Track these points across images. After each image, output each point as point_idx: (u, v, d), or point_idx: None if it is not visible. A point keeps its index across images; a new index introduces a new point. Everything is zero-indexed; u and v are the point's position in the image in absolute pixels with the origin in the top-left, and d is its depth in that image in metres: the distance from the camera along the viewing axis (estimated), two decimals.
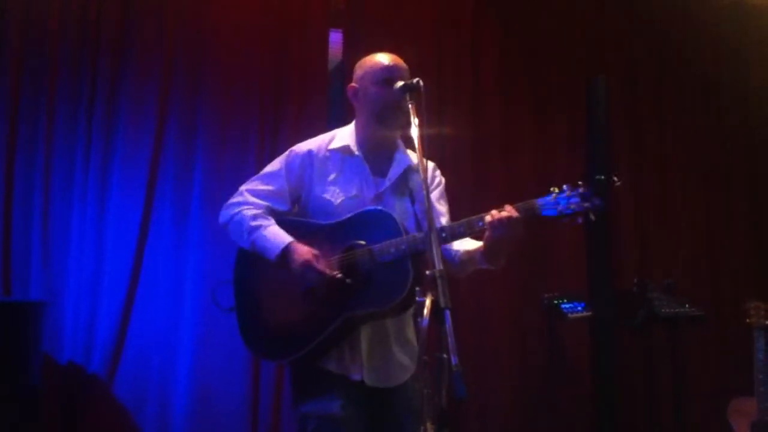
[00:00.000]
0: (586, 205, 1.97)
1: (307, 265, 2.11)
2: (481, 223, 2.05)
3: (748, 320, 3.48)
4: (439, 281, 1.72)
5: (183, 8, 4.06)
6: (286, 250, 2.16)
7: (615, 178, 2.12)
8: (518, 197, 4.20)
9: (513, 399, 4.27)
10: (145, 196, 3.86)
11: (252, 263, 2.28)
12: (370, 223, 2.15)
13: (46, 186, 3.74)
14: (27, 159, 3.75)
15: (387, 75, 2.24)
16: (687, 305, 4.04)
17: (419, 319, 1.71)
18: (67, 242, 3.75)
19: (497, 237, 2.03)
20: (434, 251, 1.79)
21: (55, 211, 3.75)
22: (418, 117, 2.02)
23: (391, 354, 2.22)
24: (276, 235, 2.21)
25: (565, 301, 4.12)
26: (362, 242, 2.14)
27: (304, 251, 2.14)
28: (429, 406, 1.79)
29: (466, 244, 2.22)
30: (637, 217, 4.71)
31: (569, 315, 4.08)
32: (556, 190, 2.02)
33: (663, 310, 4.00)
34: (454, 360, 1.62)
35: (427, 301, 1.72)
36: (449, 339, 1.65)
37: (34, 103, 3.79)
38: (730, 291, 4.67)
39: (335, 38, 4.37)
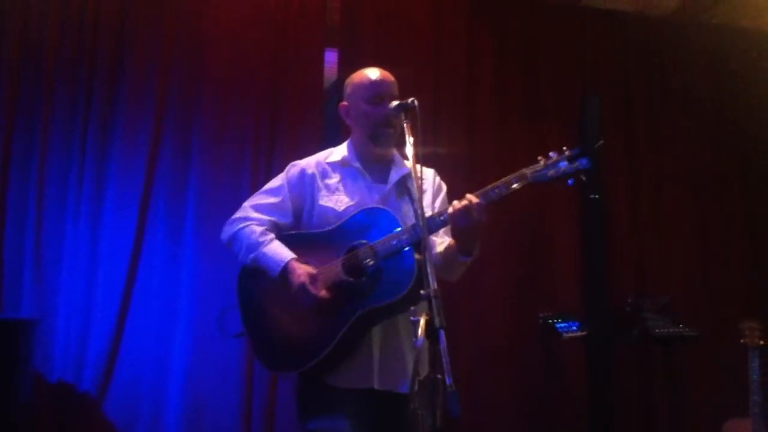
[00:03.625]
0: (575, 165, 2.06)
1: (301, 288, 2.14)
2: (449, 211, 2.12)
3: (743, 340, 3.48)
4: (433, 301, 1.72)
5: (179, 26, 4.08)
6: (286, 270, 2.18)
7: (601, 143, 2.25)
8: (513, 213, 4.22)
9: (508, 418, 4.24)
10: (138, 213, 3.85)
11: (257, 280, 2.29)
12: (369, 221, 2.19)
13: (39, 203, 3.74)
14: (21, 176, 3.75)
15: (375, 92, 2.29)
16: (681, 325, 4.04)
17: (414, 340, 1.70)
18: (60, 260, 3.74)
19: (458, 226, 2.10)
20: (428, 270, 1.79)
21: (48, 228, 3.74)
22: (413, 136, 2.03)
23: (404, 358, 2.21)
24: (276, 252, 2.23)
25: (560, 320, 4.12)
26: (363, 241, 2.17)
27: (300, 272, 2.16)
28: (423, 426, 1.77)
29: (445, 243, 2.27)
30: (632, 236, 4.71)
31: (564, 334, 4.08)
32: (544, 158, 2.11)
33: (657, 330, 4.00)
34: (448, 380, 1.61)
35: (422, 321, 1.71)
36: (444, 359, 1.64)
37: (29, 119, 3.80)
38: (725, 310, 4.66)
39: (331, 57, 4.38)
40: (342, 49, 4.37)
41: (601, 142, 2.25)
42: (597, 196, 4.46)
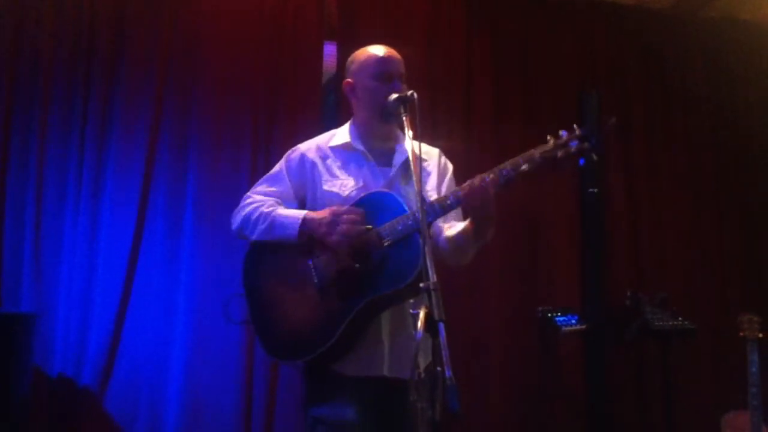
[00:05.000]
0: (586, 145, 1.99)
1: (333, 218, 2.09)
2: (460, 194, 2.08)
3: (741, 333, 3.49)
4: (432, 293, 1.71)
5: (176, 23, 4.07)
6: (305, 222, 2.14)
7: (614, 120, 2.15)
8: (511, 210, 4.21)
9: (506, 412, 4.25)
10: (137, 209, 3.84)
11: (262, 268, 2.27)
12: (374, 206, 2.14)
13: (38, 199, 3.73)
14: (19, 172, 3.74)
15: (383, 68, 2.26)
16: (680, 318, 4.05)
17: (413, 332, 1.70)
18: (59, 255, 3.74)
19: (472, 205, 2.06)
20: (427, 263, 1.78)
21: (47, 223, 3.73)
22: (412, 129, 2.01)
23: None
24: (289, 213, 2.20)
25: (559, 314, 4.13)
26: (369, 226, 2.12)
27: (323, 213, 2.13)
28: (422, 419, 1.77)
29: (456, 230, 2.23)
30: (630, 230, 4.71)
31: (563, 328, 4.08)
32: (553, 138, 2.03)
33: (656, 324, 4.00)
34: (448, 373, 1.61)
35: (421, 314, 1.71)
36: (443, 352, 1.63)
37: (27, 117, 3.78)
38: (723, 304, 4.68)
39: (329, 51, 4.37)
40: (340, 44, 4.36)
41: (614, 119, 2.16)
42: (596, 190, 4.46)
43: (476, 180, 2.06)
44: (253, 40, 4.17)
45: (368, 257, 2.10)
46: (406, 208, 2.09)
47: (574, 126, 2.03)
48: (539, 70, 4.71)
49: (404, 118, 2.06)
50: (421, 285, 1.74)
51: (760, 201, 4.95)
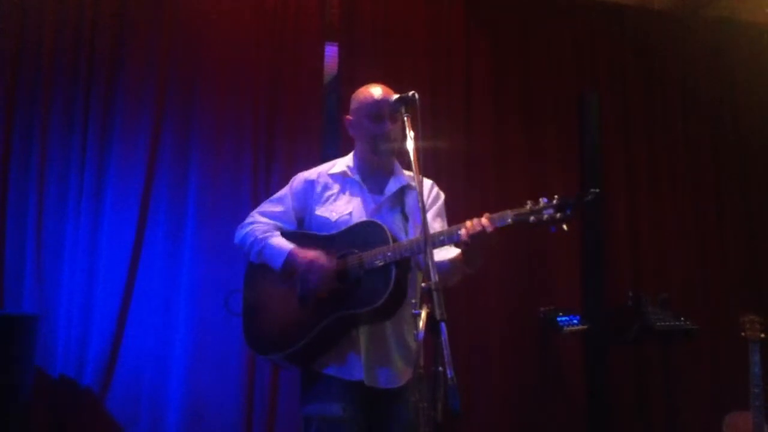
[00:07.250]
0: (558, 215, 2.05)
1: (311, 265, 2.30)
2: (460, 233, 2.16)
3: (743, 333, 3.48)
4: (434, 293, 1.73)
5: (177, 24, 4.07)
6: (289, 257, 2.36)
7: (594, 190, 2.16)
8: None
9: (506, 412, 4.26)
10: (138, 211, 3.85)
11: (258, 273, 2.50)
12: (362, 232, 2.34)
13: (40, 200, 3.73)
14: (21, 174, 3.74)
15: (377, 110, 2.40)
16: (682, 319, 4.05)
17: (415, 332, 1.73)
18: (61, 256, 3.74)
19: (473, 247, 2.16)
20: (429, 264, 1.81)
21: (48, 225, 3.74)
22: (413, 130, 2.06)
23: (390, 356, 2.34)
24: (278, 244, 2.43)
25: (561, 314, 4.13)
26: (354, 251, 2.31)
27: (307, 254, 2.33)
28: (424, 419, 1.78)
29: (449, 253, 2.35)
30: (630, 231, 4.71)
31: (565, 328, 4.08)
32: (531, 202, 2.10)
33: (658, 324, 4.00)
34: (449, 373, 1.62)
35: (423, 314, 1.72)
36: (445, 352, 1.65)
37: (29, 118, 3.78)
38: (724, 304, 4.68)
39: (330, 52, 4.38)
40: (341, 45, 4.36)
41: (597, 190, 2.14)
42: (596, 191, 4.46)
43: (477, 228, 2.11)
44: (254, 40, 4.17)
45: (348, 278, 2.30)
46: (390, 240, 2.25)
47: (555, 196, 2.09)
48: (539, 70, 4.71)
49: (405, 118, 2.11)
50: (423, 285, 1.77)
51: (760, 201, 4.95)
